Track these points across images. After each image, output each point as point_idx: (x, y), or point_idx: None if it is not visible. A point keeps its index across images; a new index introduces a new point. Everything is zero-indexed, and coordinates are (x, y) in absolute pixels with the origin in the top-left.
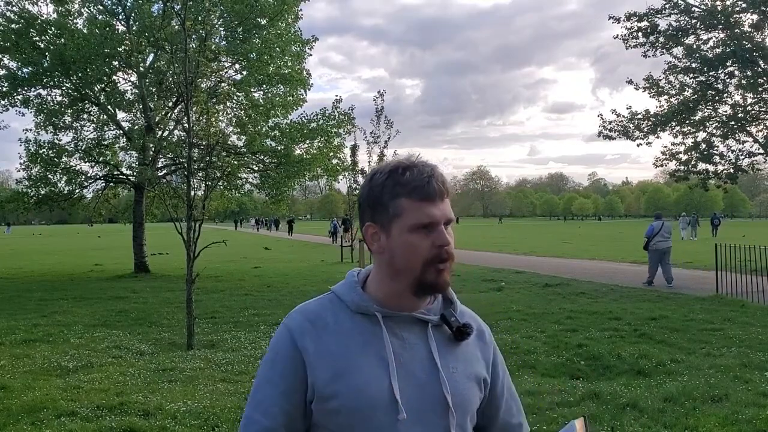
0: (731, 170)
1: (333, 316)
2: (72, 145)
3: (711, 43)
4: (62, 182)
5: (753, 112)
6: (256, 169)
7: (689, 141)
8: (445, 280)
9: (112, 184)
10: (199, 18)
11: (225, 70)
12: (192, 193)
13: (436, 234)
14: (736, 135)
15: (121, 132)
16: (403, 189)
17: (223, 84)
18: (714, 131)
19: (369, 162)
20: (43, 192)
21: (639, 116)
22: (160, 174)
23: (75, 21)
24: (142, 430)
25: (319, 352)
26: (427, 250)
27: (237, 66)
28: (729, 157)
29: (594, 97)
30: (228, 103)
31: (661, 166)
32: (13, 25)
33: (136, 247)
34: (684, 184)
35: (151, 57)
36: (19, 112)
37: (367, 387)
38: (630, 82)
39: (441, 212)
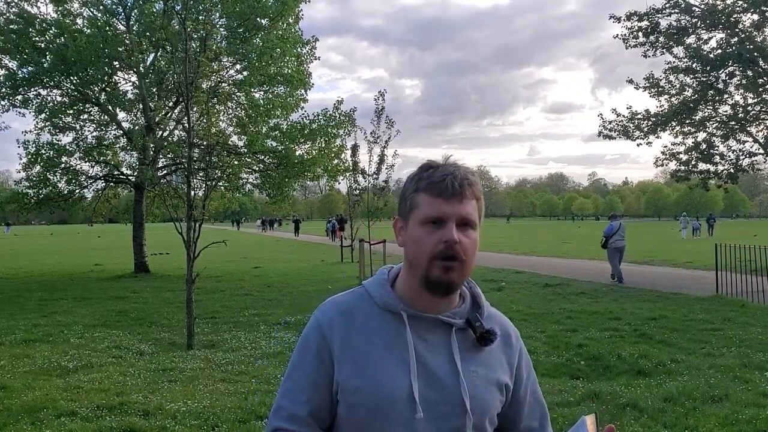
0: (731, 170)
1: (361, 312)
2: (73, 146)
3: (712, 42)
4: (62, 182)
5: (753, 112)
6: (257, 169)
7: (689, 141)
8: (451, 279)
9: (112, 184)
10: (200, 18)
11: (226, 70)
12: (192, 193)
13: (444, 230)
14: (737, 135)
15: (122, 132)
16: (422, 184)
17: (223, 84)
18: (714, 131)
19: (369, 162)
20: (43, 193)
21: (639, 116)
22: (160, 174)
23: (75, 21)
24: (142, 430)
25: (346, 346)
26: (433, 244)
27: (238, 66)
28: (729, 157)
29: (593, 98)
30: (228, 103)
31: (662, 165)
32: (12, 26)
33: (136, 247)
34: (684, 184)
35: (151, 57)
36: (20, 112)
37: (387, 384)
38: (630, 81)
39: (454, 210)
